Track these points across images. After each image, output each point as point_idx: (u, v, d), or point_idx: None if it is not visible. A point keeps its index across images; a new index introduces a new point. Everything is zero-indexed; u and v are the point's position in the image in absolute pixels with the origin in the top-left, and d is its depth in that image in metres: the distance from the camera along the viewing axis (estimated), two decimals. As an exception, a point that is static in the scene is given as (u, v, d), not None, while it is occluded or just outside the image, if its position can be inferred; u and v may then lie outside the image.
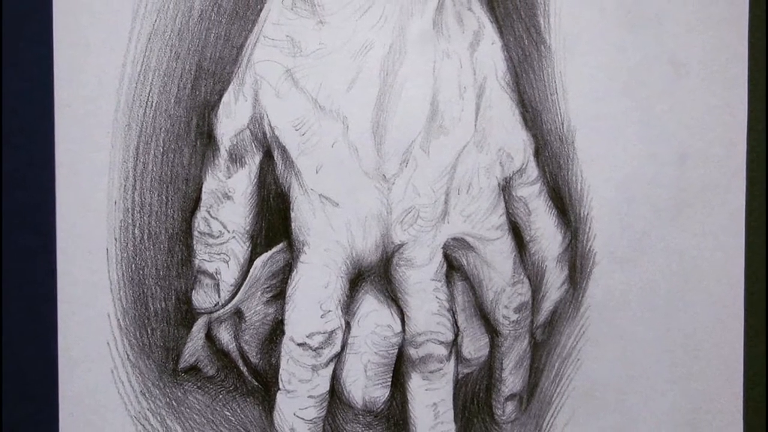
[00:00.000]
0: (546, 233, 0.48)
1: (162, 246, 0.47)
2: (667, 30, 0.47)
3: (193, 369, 0.48)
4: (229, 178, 0.46)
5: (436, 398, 0.47)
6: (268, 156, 0.46)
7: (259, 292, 0.47)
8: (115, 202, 0.47)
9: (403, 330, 0.47)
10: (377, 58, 0.45)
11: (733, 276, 0.49)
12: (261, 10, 0.46)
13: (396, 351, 0.47)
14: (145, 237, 0.47)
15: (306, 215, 0.46)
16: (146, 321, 0.47)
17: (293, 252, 0.46)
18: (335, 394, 0.47)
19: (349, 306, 0.47)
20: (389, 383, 0.47)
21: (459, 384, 0.48)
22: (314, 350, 0.46)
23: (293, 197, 0.46)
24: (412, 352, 0.46)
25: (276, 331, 0.47)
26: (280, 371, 0.46)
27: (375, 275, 0.47)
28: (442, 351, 0.46)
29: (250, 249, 0.47)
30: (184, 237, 0.47)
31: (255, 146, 0.46)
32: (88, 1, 0.46)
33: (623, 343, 0.48)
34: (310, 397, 0.46)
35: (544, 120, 0.47)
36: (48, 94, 0.46)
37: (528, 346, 0.48)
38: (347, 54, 0.45)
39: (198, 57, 0.46)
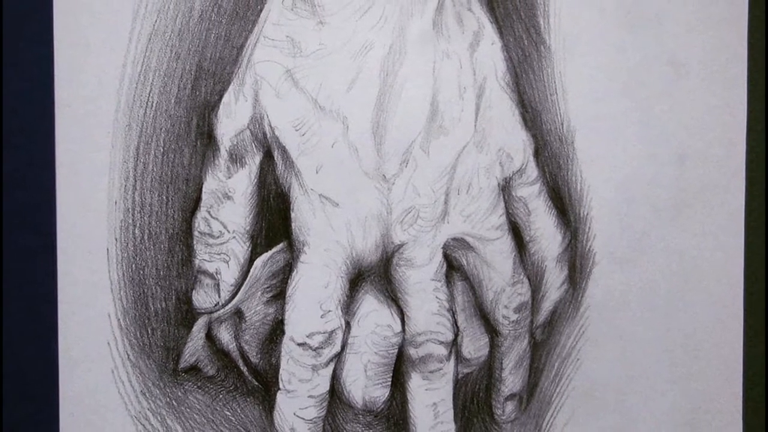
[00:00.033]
0: (546, 233, 0.48)
1: (162, 246, 0.47)
2: (666, 30, 0.47)
3: (194, 369, 0.48)
4: (230, 178, 0.46)
5: (436, 398, 0.47)
6: (268, 156, 0.46)
7: (260, 292, 0.47)
8: (116, 202, 0.47)
9: (403, 330, 0.47)
10: (377, 58, 0.45)
11: (733, 276, 0.49)
12: (261, 10, 0.46)
13: (396, 351, 0.47)
14: (146, 237, 0.47)
15: (306, 215, 0.46)
16: (146, 321, 0.47)
17: (293, 252, 0.46)
18: (335, 394, 0.47)
19: (349, 306, 0.47)
20: (389, 383, 0.47)
21: (459, 384, 0.48)
22: (314, 350, 0.46)
23: (293, 197, 0.46)
24: (412, 352, 0.46)
25: (276, 331, 0.47)
26: (281, 371, 0.46)
27: (375, 275, 0.47)
28: (442, 351, 0.46)
29: (250, 249, 0.47)
30: (184, 237, 0.47)
31: (255, 146, 0.46)
32: (89, 2, 0.46)
33: (623, 343, 0.48)
34: (310, 396, 0.46)
35: (544, 120, 0.47)
36: (48, 94, 0.46)
37: (528, 346, 0.48)
38: (347, 54, 0.45)
39: (198, 57, 0.46)
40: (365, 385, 0.47)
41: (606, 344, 0.48)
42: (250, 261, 0.47)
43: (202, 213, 0.47)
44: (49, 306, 0.47)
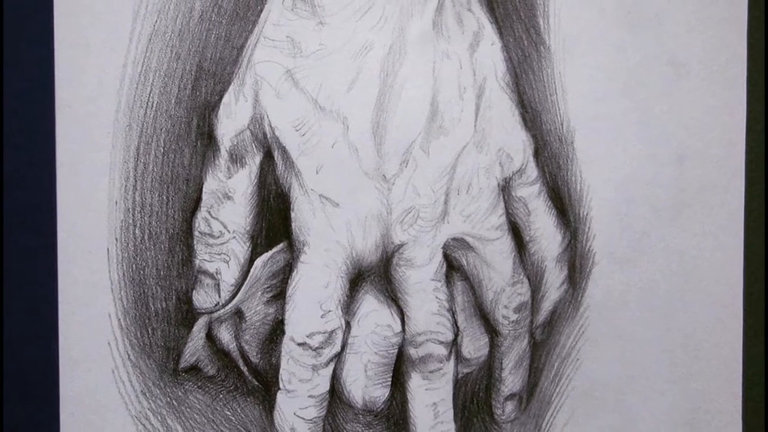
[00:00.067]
0: (545, 233, 0.48)
1: (163, 246, 0.47)
2: (666, 30, 0.48)
3: (194, 369, 0.48)
4: (230, 178, 0.46)
5: (436, 398, 0.47)
6: (268, 156, 0.46)
7: (260, 292, 0.47)
8: (116, 203, 0.47)
9: (403, 330, 0.47)
10: (377, 58, 0.45)
11: (732, 276, 0.49)
12: (261, 10, 0.46)
13: (396, 351, 0.47)
14: (146, 237, 0.47)
15: (306, 215, 0.46)
16: (147, 321, 0.47)
17: (293, 252, 0.46)
18: (335, 394, 0.47)
19: (349, 306, 0.47)
20: (389, 383, 0.47)
21: (459, 384, 0.48)
22: (314, 350, 0.46)
23: (293, 197, 0.46)
24: (412, 351, 0.46)
25: (276, 330, 0.47)
26: (281, 371, 0.46)
27: (375, 275, 0.47)
28: (442, 351, 0.46)
29: (250, 249, 0.47)
30: (184, 237, 0.47)
31: (255, 147, 0.46)
32: (89, 2, 0.46)
33: (622, 342, 0.48)
34: (310, 396, 0.46)
35: (544, 120, 0.47)
36: (49, 94, 0.46)
37: (527, 346, 0.48)
38: (347, 55, 0.45)
39: (198, 58, 0.46)
40: (365, 385, 0.47)
41: (606, 344, 0.48)
42: (251, 261, 0.47)
43: (202, 213, 0.47)
44: (49, 306, 0.47)
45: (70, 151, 0.46)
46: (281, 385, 0.46)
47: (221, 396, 0.48)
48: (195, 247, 0.47)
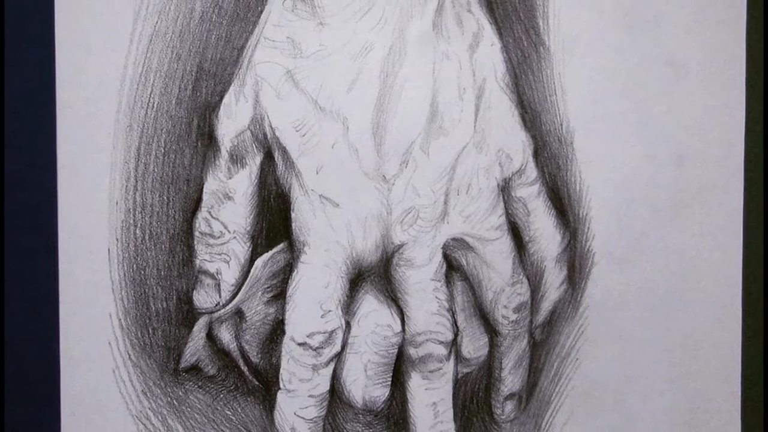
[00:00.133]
0: (545, 233, 0.48)
1: (163, 246, 0.47)
2: (665, 31, 0.48)
3: (194, 368, 0.48)
4: (230, 178, 0.46)
5: (436, 397, 0.47)
6: (268, 157, 0.46)
7: (260, 292, 0.47)
8: (117, 203, 0.47)
9: (403, 330, 0.47)
10: (377, 59, 0.45)
11: (731, 276, 0.49)
12: (261, 11, 0.46)
13: (396, 351, 0.47)
14: (147, 237, 0.47)
15: (306, 216, 0.46)
16: (148, 321, 0.47)
17: (294, 252, 0.46)
18: (335, 394, 0.47)
19: (349, 306, 0.47)
20: (389, 383, 0.47)
21: (458, 383, 0.48)
22: (314, 350, 0.46)
23: (294, 198, 0.46)
24: (412, 351, 0.47)
25: (276, 330, 0.47)
26: (281, 371, 0.46)
27: (375, 275, 0.47)
28: (442, 351, 0.46)
29: (250, 249, 0.47)
30: (185, 237, 0.47)
31: (256, 147, 0.46)
32: (90, 3, 0.46)
33: (622, 342, 0.48)
34: (310, 396, 0.46)
35: (543, 121, 0.47)
36: (50, 95, 0.46)
37: (527, 346, 0.48)
38: (347, 55, 0.45)
39: (199, 58, 0.46)
40: (365, 385, 0.47)
41: (605, 344, 0.48)
42: (251, 261, 0.47)
43: (202, 213, 0.47)
44: (50, 306, 0.47)
45: (71, 152, 0.46)
46: (281, 385, 0.46)
47: (222, 396, 0.48)
48: (195, 247, 0.47)
